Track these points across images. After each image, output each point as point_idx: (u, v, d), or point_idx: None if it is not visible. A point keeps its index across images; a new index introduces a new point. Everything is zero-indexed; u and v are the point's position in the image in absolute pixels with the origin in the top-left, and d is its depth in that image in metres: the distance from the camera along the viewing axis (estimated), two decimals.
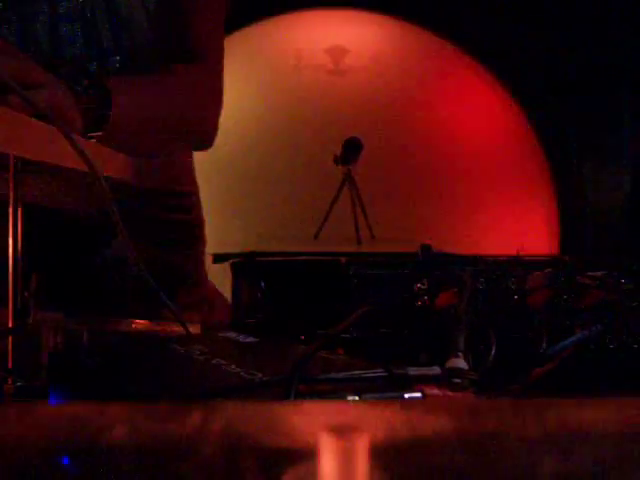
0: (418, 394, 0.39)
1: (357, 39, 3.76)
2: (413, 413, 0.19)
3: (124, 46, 0.92)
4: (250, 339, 0.56)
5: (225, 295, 1.05)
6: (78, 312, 0.77)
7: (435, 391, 0.41)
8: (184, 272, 1.06)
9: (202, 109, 0.95)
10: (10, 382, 0.62)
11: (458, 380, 0.44)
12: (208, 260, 1.20)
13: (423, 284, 0.63)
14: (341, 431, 0.17)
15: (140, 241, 0.63)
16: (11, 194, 0.64)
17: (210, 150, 1.07)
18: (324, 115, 3.64)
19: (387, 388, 0.40)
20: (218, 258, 1.14)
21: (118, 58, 0.92)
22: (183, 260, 1.06)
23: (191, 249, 1.09)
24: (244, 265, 0.71)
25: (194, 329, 0.71)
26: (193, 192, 1.10)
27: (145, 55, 0.92)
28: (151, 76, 0.91)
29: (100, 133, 0.75)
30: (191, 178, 1.12)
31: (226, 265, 0.88)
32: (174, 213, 1.05)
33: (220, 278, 1.09)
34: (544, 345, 0.56)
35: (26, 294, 0.67)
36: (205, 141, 0.98)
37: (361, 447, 0.17)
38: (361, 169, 3.28)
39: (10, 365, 0.63)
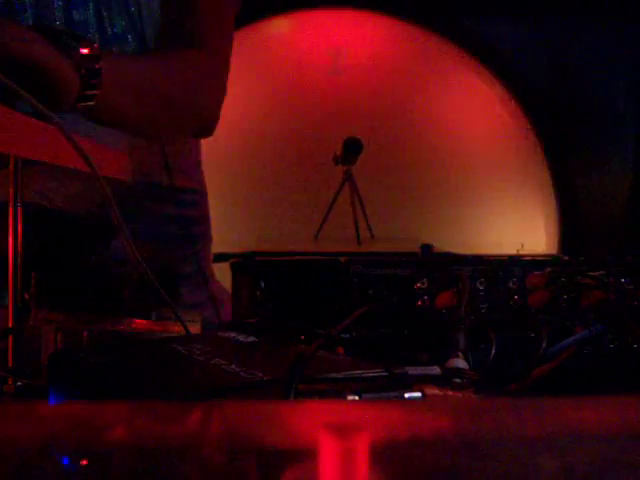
0: (418, 394, 0.39)
1: (357, 39, 3.76)
2: (413, 413, 0.19)
3: (139, 31, 0.91)
4: (250, 339, 0.55)
5: None
6: (78, 312, 0.77)
7: (435, 391, 0.41)
8: (188, 270, 1.05)
9: (201, 92, 0.92)
10: (10, 382, 0.62)
11: (458, 380, 0.44)
12: None
13: (423, 284, 0.63)
14: (341, 431, 0.17)
15: (142, 238, 0.62)
16: (11, 194, 0.65)
17: (209, 149, 1.06)
18: (324, 115, 3.64)
19: (387, 388, 0.40)
20: (218, 258, 1.14)
21: (134, 44, 0.91)
22: (187, 258, 1.06)
23: (195, 246, 1.08)
24: (244, 265, 0.71)
25: (194, 329, 0.71)
26: (198, 188, 1.10)
27: (158, 41, 0.92)
28: (145, 53, 0.90)
29: (95, 92, 0.73)
30: (197, 173, 1.11)
31: (226, 265, 0.88)
32: (177, 208, 1.04)
33: (220, 278, 1.09)
34: (544, 345, 0.56)
35: (26, 294, 0.67)
36: (204, 128, 0.95)
37: (361, 447, 0.17)
38: (361, 169, 3.28)
39: (10, 365, 0.63)
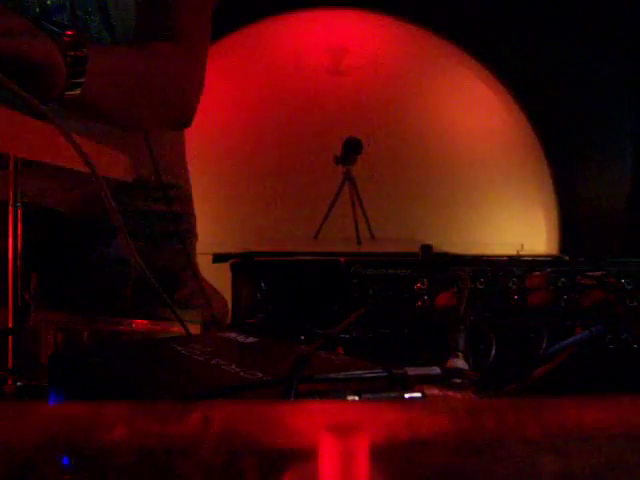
0: (418, 394, 0.39)
1: (357, 39, 3.76)
2: (413, 413, 0.19)
3: (114, 28, 0.91)
4: (250, 339, 0.56)
5: (225, 295, 1.04)
6: (78, 312, 0.77)
7: (435, 391, 0.41)
8: (173, 268, 1.05)
9: (179, 84, 0.93)
10: (10, 382, 0.62)
11: (458, 380, 0.44)
12: (207, 259, 1.20)
13: (423, 284, 0.63)
14: (341, 431, 0.17)
15: (130, 236, 0.62)
16: (11, 194, 0.64)
17: (210, 150, 1.05)
18: (324, 115, 3.64)
19: (387, 388, 0.40)
20: (218, 258, 1.14)
21: (109, 40, 0.91)
22: (172, 255, 1.06)
23: (181, 243, 1.08)
24: (244, 265, 0.71)
25: (194, 329, 0.71)
26: (183, 185, 1.10)
27: (134, 37, 0.92)
28: (128, 46, 0.90)
29: (81, 80, 0.71)
30: (182, 171, 1.11)
31: (226, 265, 0.88)
32: (161, 205, 1.04)
33: (220, 278, 1.09)
34: (544, 345, 0.56)
35: (26, 294, 0.67)
36: (182, 119, 0.96)
37: (361, 447, 0.17)
38: (361, 169, 3.28)
39: (10, 365, 0.63)
